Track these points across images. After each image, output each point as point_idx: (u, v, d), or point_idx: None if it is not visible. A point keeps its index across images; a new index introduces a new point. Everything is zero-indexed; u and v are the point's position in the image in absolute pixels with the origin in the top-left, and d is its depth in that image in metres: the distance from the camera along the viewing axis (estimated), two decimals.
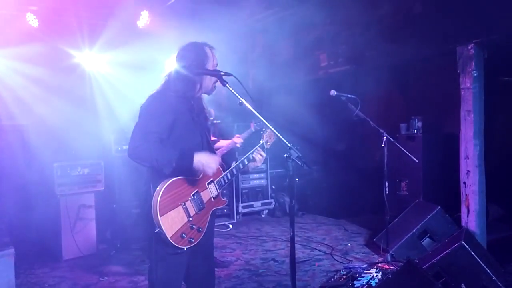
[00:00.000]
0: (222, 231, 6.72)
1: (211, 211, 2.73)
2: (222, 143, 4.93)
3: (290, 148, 2.60)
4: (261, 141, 3.02)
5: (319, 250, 5.57)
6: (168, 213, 2.49)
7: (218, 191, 2.77)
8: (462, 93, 4.94)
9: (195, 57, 2.67)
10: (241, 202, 7.39)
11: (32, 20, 5.78)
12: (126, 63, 6.30)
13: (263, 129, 3.06)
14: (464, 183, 4.94)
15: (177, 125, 2.58)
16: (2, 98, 5.86)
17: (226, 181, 2.80)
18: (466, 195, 4.94)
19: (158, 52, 6.29)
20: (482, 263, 3.76)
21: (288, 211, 7.29)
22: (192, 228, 2.59)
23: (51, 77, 5.93)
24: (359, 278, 4.08)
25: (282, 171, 7.93)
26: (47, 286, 4.57)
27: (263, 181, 7.72)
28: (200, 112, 2.75)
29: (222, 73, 2.63)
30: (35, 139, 5.81)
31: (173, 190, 2.53)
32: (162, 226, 2.46)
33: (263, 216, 7.69)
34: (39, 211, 5.57)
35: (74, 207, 5.35)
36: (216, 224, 6.79)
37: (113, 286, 4.54)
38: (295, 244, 2.64)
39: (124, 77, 6.45)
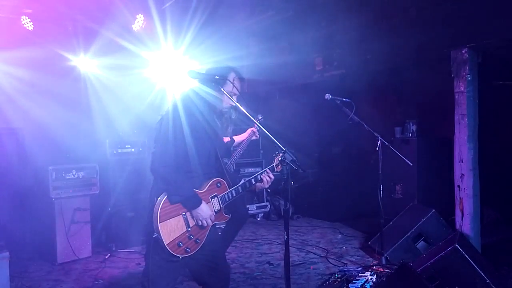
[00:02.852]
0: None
1: (211, 225, 2.74)
2: (240, 138, 4.80)
3: (285, 152, 2.62)
4: (273, 164, 2.95)
5: (314, 253, 5.58)
6: (167, 220, 2.56)
7: (221, 206, 2.79)
8: (456, 97, 4.97)
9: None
10: None
11: (27, 23, 5.76)
12: (122, 67, 6.29)
13: (276, 153, 2.92)
14: (459, 186, 4.96)
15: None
16: None
17: (231, 197, 2.82)
18: (460, 198, 4.96)
19: (153, 55, 6.30)
20: (476, 266, 3.78)
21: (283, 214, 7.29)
22: (190, 238, 2.63)
23: (46, 80, 5.91)
24: (353, 281, 4.10)
25: (277, 174, 7.92)
26: None
27: None
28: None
29: (216, 77, 2.66)
30: (30, 142, 5.80)
31: None
32: (161, 232, 2.52)
33: (258, 219, 7.69)
34: (34, 215, 5.56)
35: (69, 210, 5.33)
36: None
37: None
38: (290, 247, 2.66)
39: (119, 80, 6.45)
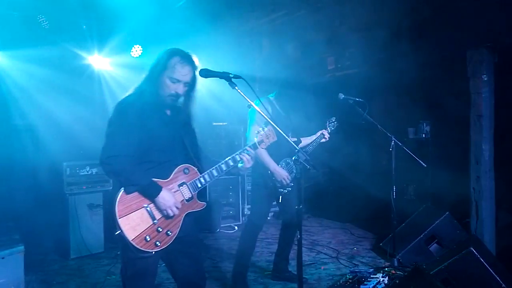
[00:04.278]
0: (228, 233, 6.73)
1: (184, 214, 2.62)
2: (308, 140, 4.62)
3: (298, 151, 2.59)
4: (255, 139, 2.81)
5: (325, 254, 5.56)
6: (129, 214, 2.42)
7: (192, 193, 2.66)
8: (472, 97, 4.90)
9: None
10: (247, 204, 7.36)
11: (43, 22, 5.82)
12: (135, 64, 6.32)
13: (260, 128, 2.81)
14: (474, 188, 4.90)
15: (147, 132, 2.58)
16: (14, 98, 5.92)
17: (204, 183, 2.68)
18: (475, 201, 4.90)
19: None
20: (491, 270, 3.72)
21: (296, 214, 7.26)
22: (158, 231, 2.49)
23: (61, 78, 5.98)
24: (365, 283, 4.05)
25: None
26: (55, 283, 4.62)
27: None
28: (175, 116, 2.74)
29: (231, 76, 2.63)
30: (45, 139, 5.87)
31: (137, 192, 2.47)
32: (122, 228, 2.39)
33: (268, 218, 7.67)
34: (48, 210, 5.61)
35: (82, 206, 5.38)
36: (221, 225, 6.82)
37: (119, 285, 4.53)
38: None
39: (133, 78, 6.47)
